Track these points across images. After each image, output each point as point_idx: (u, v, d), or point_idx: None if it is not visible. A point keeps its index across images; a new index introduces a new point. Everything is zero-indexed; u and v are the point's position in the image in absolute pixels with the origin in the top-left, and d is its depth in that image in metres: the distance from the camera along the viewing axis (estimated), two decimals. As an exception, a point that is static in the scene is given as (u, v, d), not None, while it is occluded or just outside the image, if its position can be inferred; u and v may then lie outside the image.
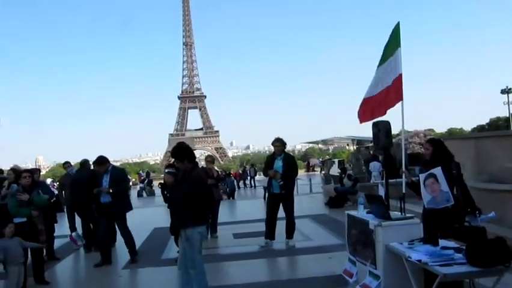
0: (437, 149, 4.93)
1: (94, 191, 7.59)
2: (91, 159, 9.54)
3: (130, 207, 8.06)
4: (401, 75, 5.29)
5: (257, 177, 30.53)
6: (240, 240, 9.05)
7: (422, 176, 4.86)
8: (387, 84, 5.57)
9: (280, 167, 7.83)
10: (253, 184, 29.91)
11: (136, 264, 7.52)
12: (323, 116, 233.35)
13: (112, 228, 9.48)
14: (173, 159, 5.30)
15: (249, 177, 30.52)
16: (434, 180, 4.72)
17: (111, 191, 7.46)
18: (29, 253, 6.48)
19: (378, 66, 5.84)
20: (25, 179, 6.59)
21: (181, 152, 5.06)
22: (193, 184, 4.90)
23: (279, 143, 8.00)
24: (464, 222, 4.76)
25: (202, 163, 10.18)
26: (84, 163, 9.59)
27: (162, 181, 5.82)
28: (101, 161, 7.84)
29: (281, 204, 8.01)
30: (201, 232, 4.98)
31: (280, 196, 7.89)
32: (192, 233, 4.91)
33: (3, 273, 5.93)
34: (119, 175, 7.96)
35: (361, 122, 6.21)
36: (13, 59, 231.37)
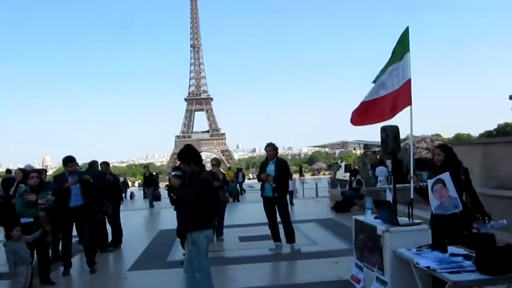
0: (448, 155, 4.89)
1: (66, 185, 6.99)
2: (99, 159, 9.65)
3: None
4: (409, 80, 5.25)
5: (246, 182, 29.61)
6: (246, 244, 9.03)
7: (430, 182, 4.82)
8: (394, 89, 5.53)
9: (273, 170, 7.94)
10: (239, 189, 27.82)
11: (142, 266, 7.54)
12: (330, 120, 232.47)
13: (117, 229, 9.54)
14: (179, 162, 5.28)
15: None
16: (442, 185, 4.68)
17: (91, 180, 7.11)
18: (35, 253, 6.50)
19: (384, 70, 5.80)
20: (33, 179, 6.61)
21: (187, 154, 5.03)
22: (200, 187, 4.88)
23: (270, 147, 8.13)
24: (472, 229, 4.71)
25: (207, 165, 10.17)
26: (93, 164, 9.62)
27: (168, 183, 5.82)
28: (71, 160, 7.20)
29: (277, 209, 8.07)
30: (207, 235, 4.96)
31: (274, 199, 7.96)
32: (198, 237, 4.89)
33: (6, 273, 5.97)
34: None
35: (354, 124, 6.16)
36: (17, 60, 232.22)
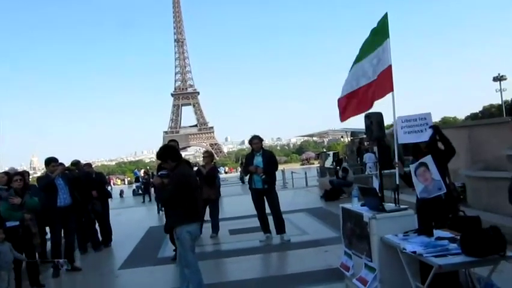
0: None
1: (55, 174, 7.15)
2: (88, 158, 9.67)
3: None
4: (390, 66, 5.23)
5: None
6: (236, 236, 9.03)
7: (412, 167, 4.85)
8: (375, 76, 5.50)
9: (261, 162, 7.96)
10: None
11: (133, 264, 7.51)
12: (317, 109, 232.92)
13: (106, 228, 9.48)
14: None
15: None
16: (425, 168, 4.71)
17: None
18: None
19: (361, 59, 5.76)
20: (16, 182, 6.52)
21: (163, 152, 5.12)
22: (174, 182, 4.92)
23: (257, 139, 8.16)
24: (458, 212, 4.75)
25: (197, 159, 10.03)
26: (76, 163, 9.57)
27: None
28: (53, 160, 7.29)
29: (266, 200, 8.09)
30: (190, 231, 4.92)
31: (263, 191, 7.98)
32: (181, 232, 4.88)
33: None
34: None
35: (342, 120, 6.15)
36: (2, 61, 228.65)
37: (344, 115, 6.05)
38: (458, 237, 3.52)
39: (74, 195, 7.38)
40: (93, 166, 10.24)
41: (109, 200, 10.23)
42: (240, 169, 30.66)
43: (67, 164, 9.08)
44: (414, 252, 3.52)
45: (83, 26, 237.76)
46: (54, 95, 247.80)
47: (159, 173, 5.58)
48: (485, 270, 3.71)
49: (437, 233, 3.91)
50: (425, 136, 4.77)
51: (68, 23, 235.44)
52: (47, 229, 8.31)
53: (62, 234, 7.29)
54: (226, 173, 56.22)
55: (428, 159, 4.66)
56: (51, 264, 7.15)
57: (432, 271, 3.33)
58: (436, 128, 4.84)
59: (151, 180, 19.73)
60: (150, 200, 20.55)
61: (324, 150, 36.96)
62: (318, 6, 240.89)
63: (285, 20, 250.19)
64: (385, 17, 5.36)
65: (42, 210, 6.88)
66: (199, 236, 6.53)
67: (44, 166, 7.68)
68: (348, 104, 5.95)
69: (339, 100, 6.11)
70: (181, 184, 4.86)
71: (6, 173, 7.54)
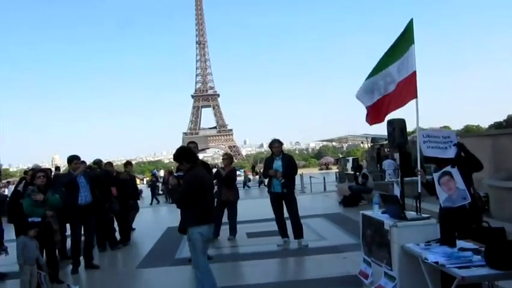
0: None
1: (77, 172, 7.20)
2: (107, 158, 9.76)
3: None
4: (415, 72, 5.18)
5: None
6: (254, 240, 9.01)
7: (436, 175, 4.77)
8: (398, 81, 5.45)
9: (280, 166, 7.93)
10: None
11: (150, 263, 7.57)
12: (337, 113, 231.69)
13: (126, 227, 9.57)
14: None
15: None
16: (449, 177, 4.63)
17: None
18: (44, 253, 6.54)
19: (388, 65, 5.69)
20: (39, 179, 6.63)
21: (179, 154, 5.17)
22: (185, 184, 4.95)
23: (277, 143, 8.13)
24: (482, 222, 4.65)
25: (216, 161, 10.08)
26: (98, 163, 9.69)
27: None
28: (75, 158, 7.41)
29: (284, 205, 8.05)
30: (201, 232, 4.88)
31: (282, 195, 7.94)
32: (192, 233, 4.87)
33: (16, 273, 6.01)
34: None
35: (371, 124, 6.09)
36: (15, 58, 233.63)
37: (371, 119, 5.98)
38: (483, 248, 3.45)
39: (94, 194, 7.46)
40: (113, 165, 10.31)
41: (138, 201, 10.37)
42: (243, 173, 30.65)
43: (90, 161, 9.23)
44: (437, 262, 3.45)
45: (84, 26, 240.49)
46: (75, 94, 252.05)
47: (176, 174, 5.69)
48: (510, 284, 3.62)
49: (460, 243, 3.83)
50: (450, 153, 4.69)
51: (68, 23, 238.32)
52: (68, 226, 8.46)
53: (82, 232, 7.39)
54: (245, 175, 56.27)
55: (452, 168, 4.58)
56: (69, 261, 7.27)
57: (455, 282, 3.26)
58: (461, 146, 4.75)
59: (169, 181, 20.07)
60: (158, 202, 21.00)
61: (340, 155, 36.73)
62: (343, 11, 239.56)
63: (304, 23, 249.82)
64: (410, 22, 5.32)
65: (63, 207, 6.99)
66: (212, 238, 6.52)
67: (65, 164, 7.81)
68: (377, 109, 5.87)
69: (368, 107, 6.03)
70: (193, 185, 4.89)
71: (32, 169, 7.77)
